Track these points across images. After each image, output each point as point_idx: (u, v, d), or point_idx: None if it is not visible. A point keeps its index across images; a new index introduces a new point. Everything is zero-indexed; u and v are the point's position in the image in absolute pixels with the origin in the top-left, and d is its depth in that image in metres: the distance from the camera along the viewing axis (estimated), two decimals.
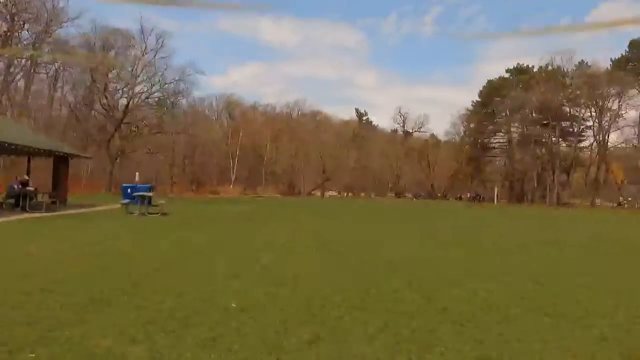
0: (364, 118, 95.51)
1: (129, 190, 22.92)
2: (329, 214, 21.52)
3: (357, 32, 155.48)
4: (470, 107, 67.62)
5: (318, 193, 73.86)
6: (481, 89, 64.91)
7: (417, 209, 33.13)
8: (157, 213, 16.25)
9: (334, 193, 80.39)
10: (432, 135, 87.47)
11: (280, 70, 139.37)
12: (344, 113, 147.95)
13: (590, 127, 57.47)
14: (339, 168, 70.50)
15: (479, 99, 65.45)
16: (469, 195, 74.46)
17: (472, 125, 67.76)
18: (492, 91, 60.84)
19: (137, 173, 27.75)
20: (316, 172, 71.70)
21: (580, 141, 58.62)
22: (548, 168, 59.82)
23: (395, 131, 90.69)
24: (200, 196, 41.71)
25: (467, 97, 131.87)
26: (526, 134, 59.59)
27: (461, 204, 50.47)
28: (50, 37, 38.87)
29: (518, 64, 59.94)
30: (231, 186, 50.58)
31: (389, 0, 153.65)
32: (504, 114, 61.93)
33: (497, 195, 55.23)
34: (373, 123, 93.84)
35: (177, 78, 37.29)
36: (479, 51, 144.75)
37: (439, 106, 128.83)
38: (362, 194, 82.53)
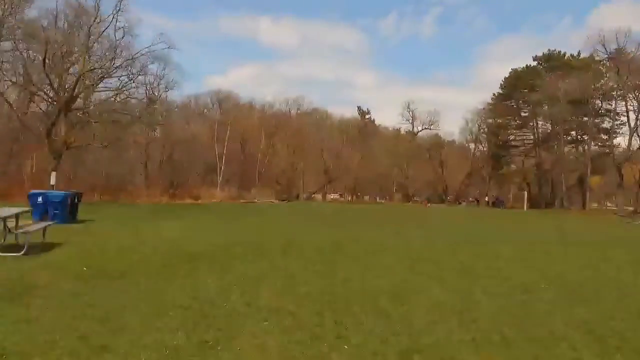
0: (367, 116, 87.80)
1: (39, 199, 15.23)
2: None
3: (356, 32, 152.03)
4: (490, 101, 59.76)
5: (319, 196, 66.45)
6: (503, 80, 56.65)
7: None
8: (22, 248, 8.50)
9: (336, 196, 73.39)
10: (436, 135, 79.89)
11: (279, 70, 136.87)
12: (345, 113, 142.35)
13: (625, 123, 49.61)
14: (343, 168, 62.78)
15: (500, 91, 57.34)
16: (487, 200, 66.85)
17: (490, 121, 59.84)
18: (517, 82, 52.85)
19: (52, 173, 19.82)
20: (317, 172, 64.10)
21: (614, 138, 50.90)
22: (581, 169, 52.31)
23: (398, 130, 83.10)
24: (176, 202, 34.07)
25: (468, 98, 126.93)
26: (556, 130, 51.96)
27: (495, 212, 42.42)
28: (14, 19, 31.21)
29: (549, 49, 51.78)
30: (217, 189, 42.82)
31: (389, 0, 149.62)
32: (529, 107, 54.25)
33: (525, 200, 47.10)
34: (376, 122, 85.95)
35: (141, 53, 29.43)
36: (479, 52, 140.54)
37: (439, 107, 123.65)
38: (366, 197, 75.20)
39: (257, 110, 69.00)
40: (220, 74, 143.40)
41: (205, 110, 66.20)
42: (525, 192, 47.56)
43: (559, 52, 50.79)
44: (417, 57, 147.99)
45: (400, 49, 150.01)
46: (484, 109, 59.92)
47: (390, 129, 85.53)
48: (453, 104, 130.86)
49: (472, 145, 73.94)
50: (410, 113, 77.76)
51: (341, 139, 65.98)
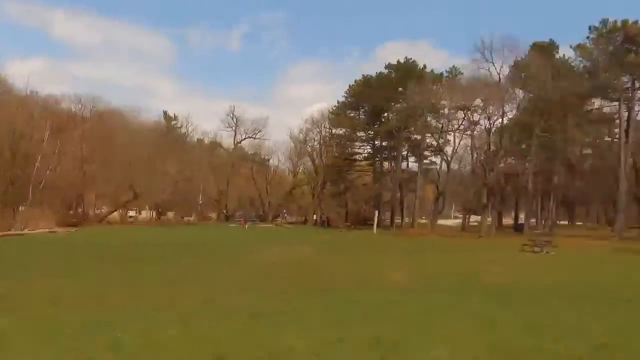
0: (173, 122, 75.97)
1: None
2: None
3: (162, 40, 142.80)
4: (332, 109, 55.41)
5: (115, 215, 52.71)
6: (349, 87, 52.64)
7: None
8: None
9: (134, 214, 60.74)
10: (261, 146, 73.46)
11: (71, 69, 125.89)
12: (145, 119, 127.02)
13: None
14: (153, 182, 50.59)
15: (347, 99, 53.37)
16: (315, 218, 62.37)
17: (333, 131, 55.49)
18: (366, 90, 48.61)
19: None
20: (118, 185, 50.05)
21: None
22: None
23: (200, 140, 73.53)
24: None
25: (273, 114, 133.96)
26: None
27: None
28: None
29: (405, 57, 48.47)
30: None
31: (197, 11, 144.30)
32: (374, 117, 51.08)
33: (375, 221, 42.56)
34: (187, 131, 74.56)
35: None
36: (281, 72, 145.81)
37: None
38: (170, 215, 63.13)
39: (40, 104, 51.37)
40: None
41: None
42: (377, 212, 43.77)
43: (414, 61, 48.97)
44: (225, 72, 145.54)
45: (207, 62, 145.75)
46: (331, 115, 55.19)
47: (196, 139, 75.46)
48: (257, 120, 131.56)
49: (294, 159, 69.39)
50: (234, 119, 69.38)
51: (149, 146, 53.39)
